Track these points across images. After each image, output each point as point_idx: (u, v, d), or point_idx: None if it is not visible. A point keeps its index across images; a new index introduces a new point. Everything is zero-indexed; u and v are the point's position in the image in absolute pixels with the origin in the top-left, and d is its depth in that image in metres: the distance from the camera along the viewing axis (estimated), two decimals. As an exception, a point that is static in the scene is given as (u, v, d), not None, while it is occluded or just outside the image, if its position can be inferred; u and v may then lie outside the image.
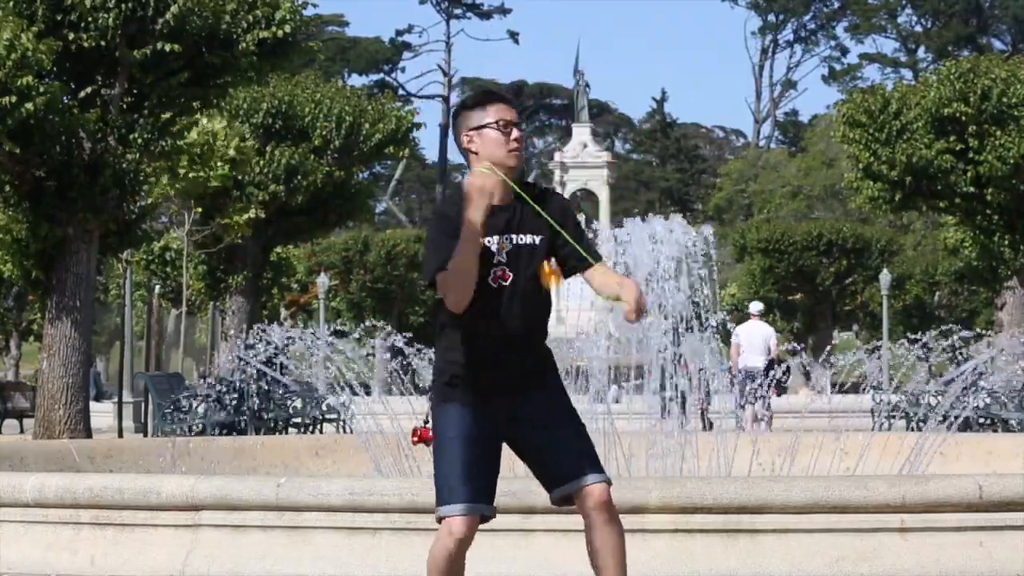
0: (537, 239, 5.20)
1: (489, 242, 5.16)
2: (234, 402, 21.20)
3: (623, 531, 5.25)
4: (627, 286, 5.15)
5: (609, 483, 5.22)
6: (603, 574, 5.23)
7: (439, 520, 5.19)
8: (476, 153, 5.24)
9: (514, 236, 5.20)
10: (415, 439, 5.31)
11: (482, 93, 5.38)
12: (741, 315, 50.41)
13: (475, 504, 5.15)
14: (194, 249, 35.30)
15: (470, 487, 5.15)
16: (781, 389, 22.15)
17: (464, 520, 5.14)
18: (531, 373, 5.29)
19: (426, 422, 5.31)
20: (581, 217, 6.11)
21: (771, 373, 19.93)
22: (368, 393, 12.33)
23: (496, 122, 5.23)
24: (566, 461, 5.20)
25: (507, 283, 5.17)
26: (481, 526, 5.26)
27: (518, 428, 5.25)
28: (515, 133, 5.24)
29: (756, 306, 23.43)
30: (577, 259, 5.26)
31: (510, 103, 5.33)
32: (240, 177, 32.79)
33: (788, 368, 21.87)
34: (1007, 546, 6.97)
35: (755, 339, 22.06)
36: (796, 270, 54.84)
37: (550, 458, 5.23)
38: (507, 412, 5.24)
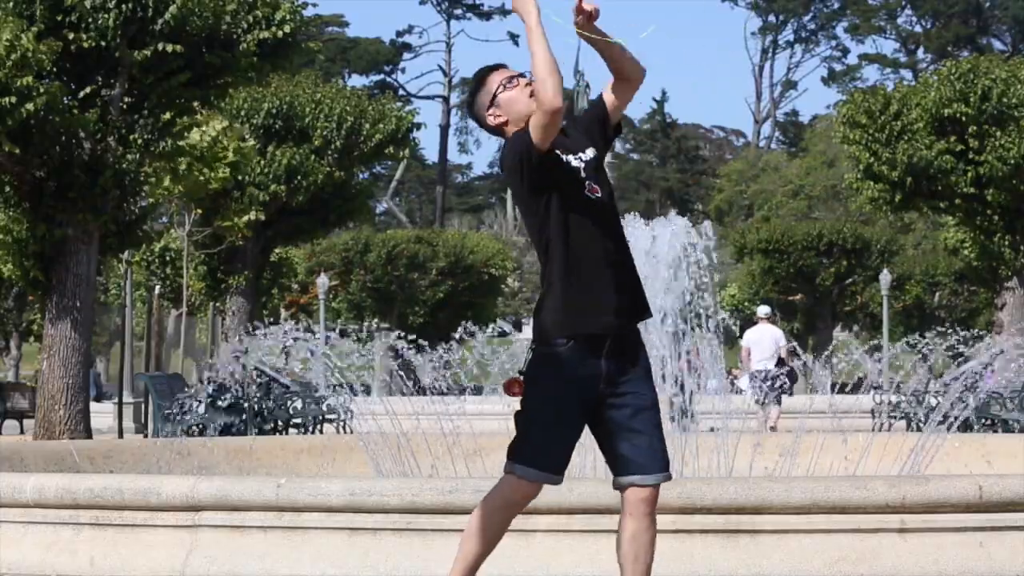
0: (593, 151, 5.34)
1: (568, 158, 5.29)
2: (234, 402, 21.19)
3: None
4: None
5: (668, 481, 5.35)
6: (632, 568, 5.27)
7: (510, 472, 5.28)
8: (507, 122, 5.36)
9: (580, 154, 5.33)
10: (512, 391, 5.34)
11: (475, 75, 5.48)
12: (742, 316, 50.57)
13: (552, 475, 5.29)
14: (194, 249, 35.31)
15: (554, 457, 5.27)
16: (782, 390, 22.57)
17: (535, 486, 5.29)
18: (635, 316, 5.35)
19: (522, 373, 5.34)
20: None
21: (780, 373, 20.53)
22: (368, 393, 12.34)
23: (500, 84, 5.35)
24: (642, 451, 5.27)
25: (598, 195, 5.29)
26: None
27: (610, 404, 5.30)
28: (523, 80, 5.34)
29: (764, 309, 23.92)
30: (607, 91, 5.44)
31: (504, 66, 5.44)
32: (240, 178, 32.80)
33: (792, 371, 22.10)
34: (1007, 546, 6.97)
35: (764, 341, 22.50)
36: (796, 270, 54.85)
37: (628, 443, 5.28)
38: (608, 383, 5.27)
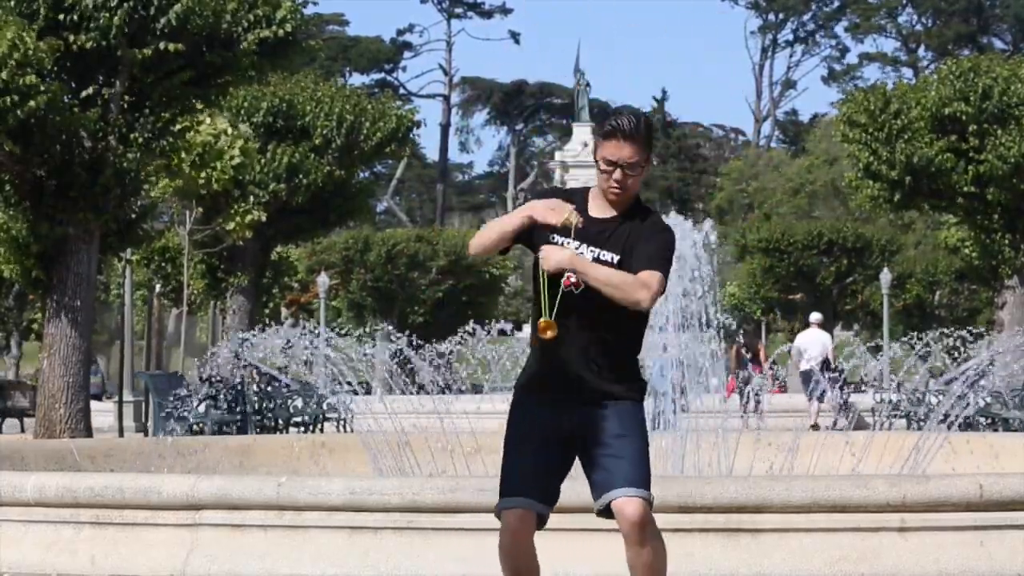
0: (617, 257, 5.30)
1: (567, 243, 5.31)
2: (232, 401, 21.20)
3: (657, 550, 5.26)
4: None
5: (646, 501, 5.22)
6: None
7: (496, 515, 5.36)
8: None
9: (599, 250, 5.31)
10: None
11: (610, 125, 5.39)
12: (742, 315, 50.53)
13: (523, 499, 5.29)
14: (195, 248, 35.28)
15: (522, 484, 5.30)
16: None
17: (512, 514, 5.29)
18: (604, 385, 5.33)
19: None
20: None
21: (827, 374, 22.20)
22: (368, 392, 12.33)
23: (600, 161, 5.41)
24: (608, 472, 5.26)
25: (578, 290, 5.25)
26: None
27: (584, 434, 5.31)
28: (617, 174, 5.38)
29: (816, 316, 26.42)
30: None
31: (628, 138, 5.37)
32: (240, 177, 32.78)
33: (842, 372, 23.09)
34: (1007, 546, 6.97)
35: (814, 345, 24.59)
36: (796, 269, 54.80)
37: (597, 467, 5.30)
38: (575, 417, 5.30)
